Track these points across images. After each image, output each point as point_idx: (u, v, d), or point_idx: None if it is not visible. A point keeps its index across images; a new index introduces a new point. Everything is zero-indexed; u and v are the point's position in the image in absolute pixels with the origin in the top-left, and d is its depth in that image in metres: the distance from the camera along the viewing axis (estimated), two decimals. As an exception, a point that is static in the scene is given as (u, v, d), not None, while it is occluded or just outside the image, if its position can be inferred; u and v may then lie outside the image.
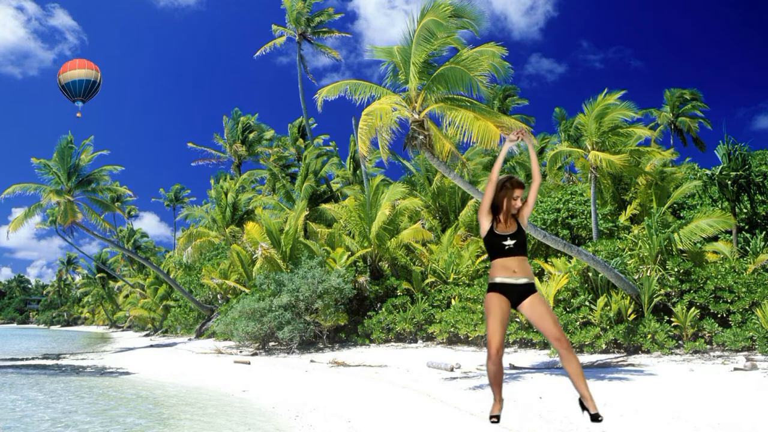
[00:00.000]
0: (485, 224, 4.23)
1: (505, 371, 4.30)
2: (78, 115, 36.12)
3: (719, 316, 14.39)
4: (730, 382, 10.37)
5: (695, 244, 16.70)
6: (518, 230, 4.19)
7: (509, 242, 4.13)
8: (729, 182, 17.07)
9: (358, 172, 34.37)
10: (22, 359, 23.87)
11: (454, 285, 20.89)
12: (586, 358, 14.18)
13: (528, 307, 4.10)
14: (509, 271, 4.09)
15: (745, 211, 18.99)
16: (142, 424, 9.65)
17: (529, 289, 4.11)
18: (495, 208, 4.27)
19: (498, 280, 4.12)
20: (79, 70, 35.36)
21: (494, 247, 4.17)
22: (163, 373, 17.60)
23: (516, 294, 4.10)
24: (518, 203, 4.23)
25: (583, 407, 4.14)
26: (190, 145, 44.40)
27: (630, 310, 14.95)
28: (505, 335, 4.12)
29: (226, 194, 35.66)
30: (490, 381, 4.15)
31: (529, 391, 10.40)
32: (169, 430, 9.20)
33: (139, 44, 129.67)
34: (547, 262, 18.75)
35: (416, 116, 13.45)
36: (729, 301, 14.29)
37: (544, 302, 4.11)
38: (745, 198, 17.89)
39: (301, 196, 29.64)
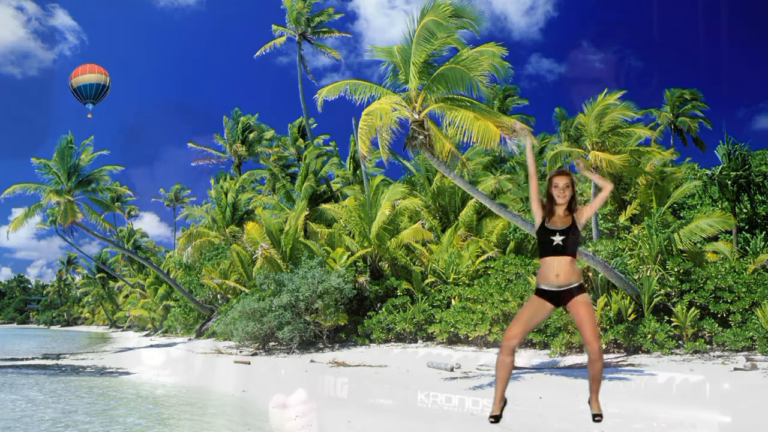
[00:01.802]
0: (537, 218, 4.28)
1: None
2: (89, 116, 37.40)
3: (719, 316, 14.37)
4: (730, 382, 10.36)
5: (695, 244, 16.69)
6: (570, 227, 4.13)
7: (558, 238, 4.11)
8: (729, 182, 17.07)
9: (358, 172, 34.32)
10: (22, 359, 23.86)
11: (454, 285, 20.88)
12: (586, 358, 14.16)
13: (572, 308, 4.14)
14: (552, 276, 4.09)
15: (745, 211, 18.99)
16: (142, 424, 9.65)
17: (573, 291, 4.10)
18: (551, 202, 4.23)
19: (541, 286, 4.15)
20: (90, 75, 36.48)
21: (543, 242, 4.18)
22: (163, 373, 17.60)
23: (559, 298, 4.13)
24: (565, 192, 4.14)
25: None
26: (190, 145, 44.43)
27: (630, 310, 14.94)
28: (524, 332, 4.14)
29: (226, 194, 35.64)
30: (495, 374, 4.15)
31: (529, 391, 10.40)
32: (169, 430, 9.21)
33: (139, 44, 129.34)
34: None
35: (416, 116, 13.45)
36: (729, 301, 14.28)
37: (587, 306, 4.11)
38: (745, 198, 17.90)
39: (301, 196, 29.62)
